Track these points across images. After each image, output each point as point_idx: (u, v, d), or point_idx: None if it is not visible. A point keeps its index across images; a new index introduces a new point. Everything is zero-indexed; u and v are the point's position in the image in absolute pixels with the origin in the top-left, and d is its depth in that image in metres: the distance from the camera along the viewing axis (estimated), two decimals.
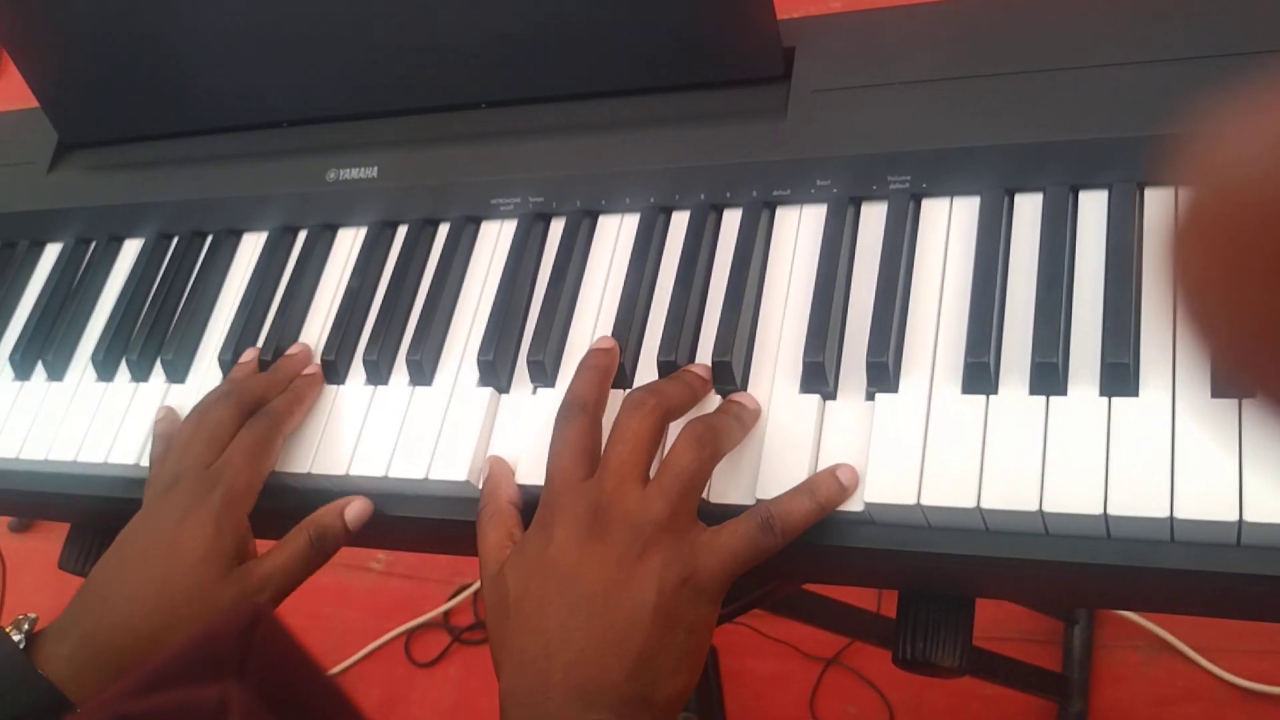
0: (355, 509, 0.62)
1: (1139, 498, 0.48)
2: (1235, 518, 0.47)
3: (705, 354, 0.59)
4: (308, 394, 0.65)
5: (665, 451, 0.55)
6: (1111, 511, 0.48)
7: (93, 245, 0.80)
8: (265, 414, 0.63)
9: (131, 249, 0.79)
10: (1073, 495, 0.49)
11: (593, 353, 0.59)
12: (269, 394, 0.64)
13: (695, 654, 0.51)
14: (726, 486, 0.55)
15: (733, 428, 0.55)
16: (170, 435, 0.65)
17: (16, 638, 0.57)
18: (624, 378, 0.60)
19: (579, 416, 0.56)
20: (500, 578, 0.54)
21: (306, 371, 0.66)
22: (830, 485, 0.53)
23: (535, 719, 0.50)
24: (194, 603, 0.57)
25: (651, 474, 0.54)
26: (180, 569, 0.58)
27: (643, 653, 0.50)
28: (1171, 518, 0.48)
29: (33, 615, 0.59)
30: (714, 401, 0.57)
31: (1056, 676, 1.19)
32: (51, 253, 0.81)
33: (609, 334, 0.61)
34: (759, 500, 0.54)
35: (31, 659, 0.56)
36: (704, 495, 0.55)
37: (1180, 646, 1.19)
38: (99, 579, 0.60)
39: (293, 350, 0.68)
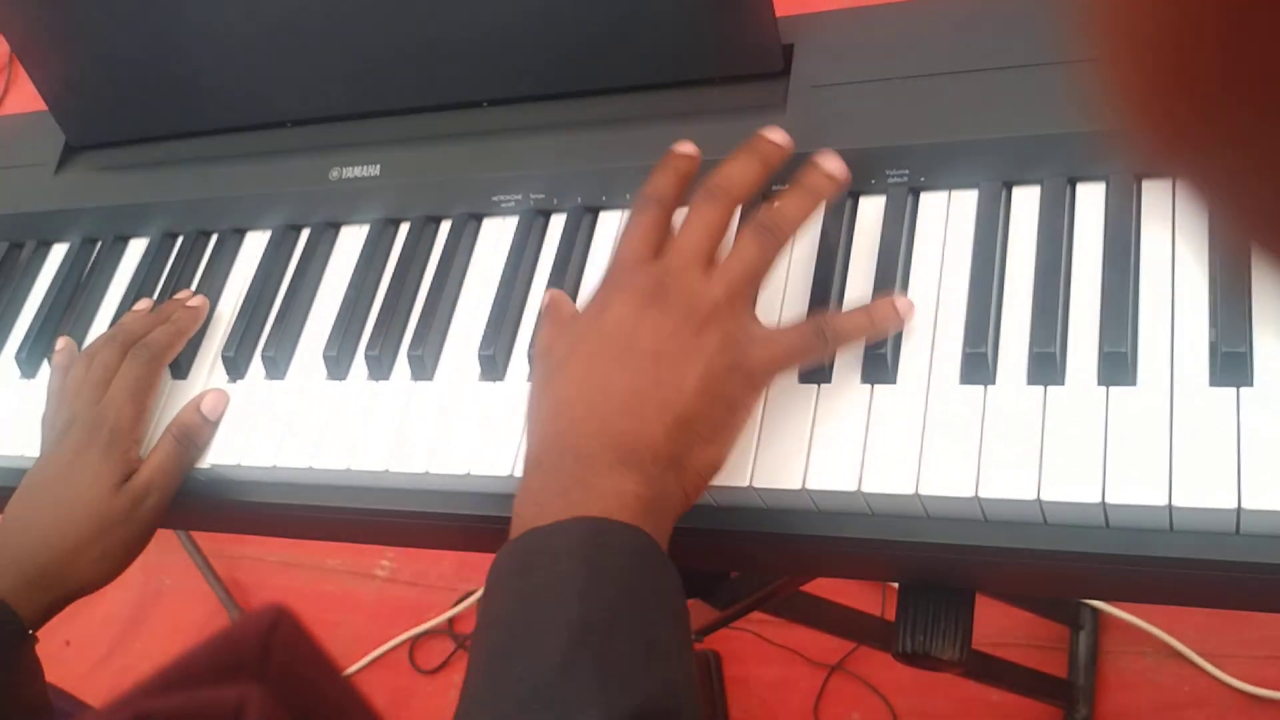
0: (210, 399, 0.67)
1: (1137, 486, 0.48)
2: (1234, 505, 0.47)
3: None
4: (188, 325, 0.70)
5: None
6: (1110, 500, 0.49)
7: (99, 245, 0.80)
8: (144, 347, 0.68)
9: (137, 248, 0.79)
10: (1071, 483, 0.49)
11: (674, 155, 0.59)
12: (151, 331, 0.69)
13: (732, 430, 0.53)
14: (726, 470, 0.55)
15: (803, 205, 0.55)
16: (65, 368, 0.70)
17: None
18: None
19: (653, 207, 0.56)
20: (549, 350, 0.56)
21: (190, 303, 0.71)
22: (886, 308, 0.55)
23: (563, 471, 0.51)
24: (93, 519, 0.64)
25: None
26: (78, 495, 0.64)
27: (683, 414, 0.51)
28: (1170, 505, 0.48)
29: None
30: None
31: (1062, 682, 1.18)
32: (58, 252, 0.82)
33: None
34: (753, 487, 0.54)
35: None
36: None
37: (1186, 652, 1.18)
38: (14, 513, 0.66)
39: (181, 295, 0.72)
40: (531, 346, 0.59)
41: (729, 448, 0.53)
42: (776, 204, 0.55)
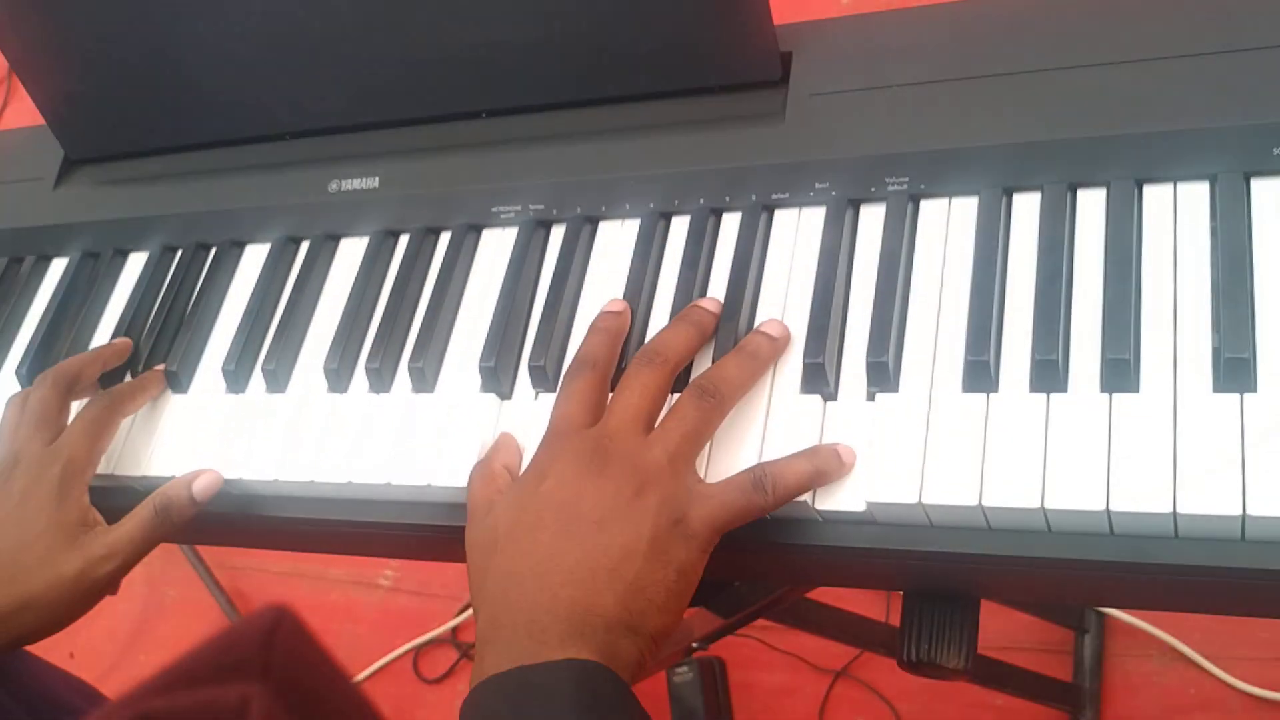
0: (204, 482, 0.63)
1: (1142, 493, 0.48)
2: (1239, 511, 0.47)
3: (705, 358, 0.59)
4: (152, 386, 0.69)
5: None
6: (1114, 507, 0.48)
7: (98, 259, 0.80)
8: (107, 394, 0.66)
9: (136, 262, 0.79)
10: (1075, 491, 0.49)
11: (603, 315, 0.60)
12: (84, 370, 0.69)
13: (682, 596, 0.52)
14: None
15: (745, 371, 0.55)
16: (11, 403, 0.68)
17: None
18: None
19: (587, 372, 0.57)
20: (489, 516, 0.55)
21: (157, 366, 0.71)
22: (829, 455, 0.53)
23: (516, 647, 0.50)
24: (42, 570, 0.60)
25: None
26: (27, 542, 0.61)
27: (636, 581, 0.50)
28: (1175, 512, 0.48)
29: None
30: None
31: (1068, 686, 1.18)
32: (58, 267, 0.82)
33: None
34: None
35: None
36: None
37: (1192, 655, 1.18)
38: None
39: (116, 341, 0.72)
40: (468, 497, 0.57)
41: (681, 614, 0.52)
42: (717, 366, 0.55)
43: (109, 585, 0.62)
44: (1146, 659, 1.20)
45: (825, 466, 0.53)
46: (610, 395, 0.57)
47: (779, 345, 0.57)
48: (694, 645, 1.10)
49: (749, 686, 1.31)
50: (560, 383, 0.57)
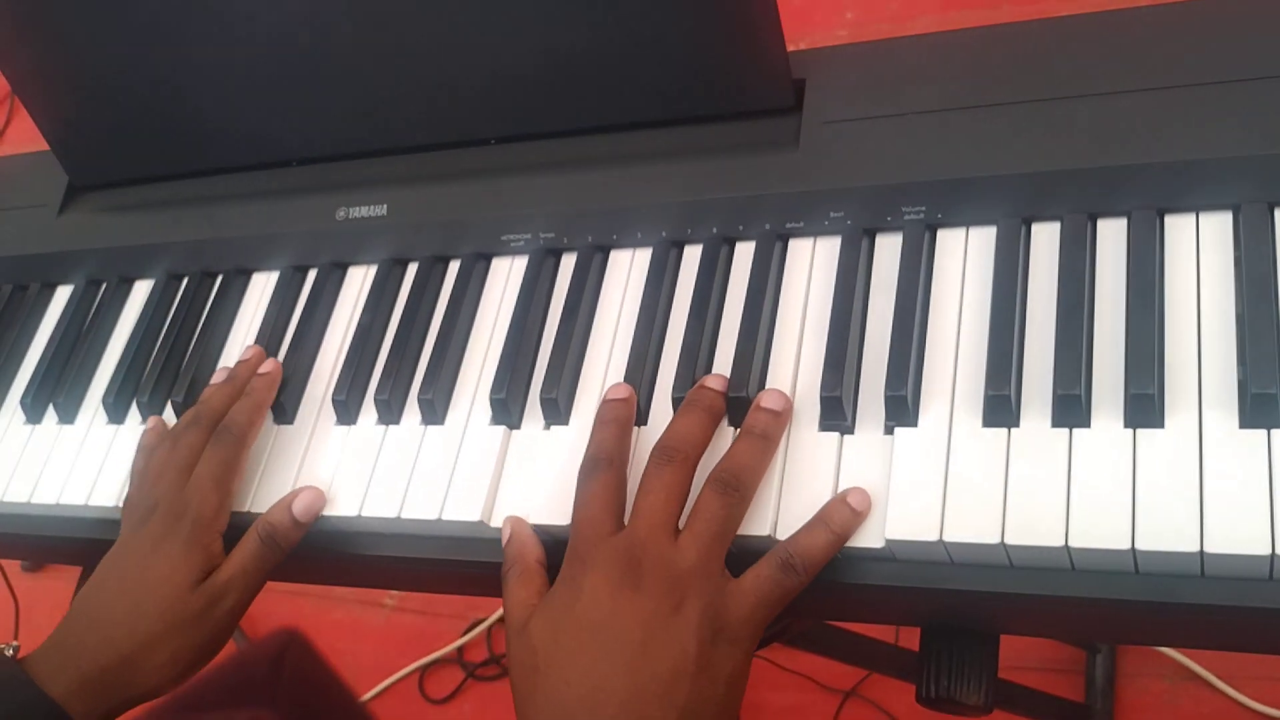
0: (304, 501, 0.62)
1: (1167, 532, 0.47)
2: (1268, 551, 0.46)
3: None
4: (265, 398, 0.66)
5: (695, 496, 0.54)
6: (1139, 546, 0.47)
7: (103, 287, 0.80)
8: (226, 430, 0.63)
9: (142, 290, 0.78)
10: (1099, 530, 0.48)
11: (608, 404, 0.58)
12: (231, 406, 0.65)
13: (734, 706, 0.51)
14: (746, 521, 0.54)
15: (759, 455, 0.54)
16: (151, 449, 0.66)
17: None
18: (640, 415, 0.59)
19: (604, 471, 0.55)
20: (526, 632, 0.53)
21: (262, 370, 0.67)
22: (843, 513, 0.52)
23: None
24: (165, 617, 0.59)
25: (681, 523, 0.53)
26: (152, 591, 0.60)
27: (688, 704, 0.49)
28: (1201, 552, 0.47)
29: (14, 643, 0.62)
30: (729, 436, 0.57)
31: (1079, 707, 1.17)
32: (62, 295, 0.81)
33: (622, 370, 0.61)
34: (774, 538, 0.53)
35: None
36: None
37: (1206, 675, 1.17)
38: (83, 604, 0.62)
39: (246, 355, 0.69)
40: (505, 604, 0.55)
41: (737, 715, 0.51)
42: (732, 455, 0.54)
43: (230, 623, 0.61)
44: (1159, 678, 1.19)
45: (844, 527, 0.52)
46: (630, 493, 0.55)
47: (784, 417, 0.55)
48: None
49: (759, 707, 1.30)
50: (577, 483, 0.55)
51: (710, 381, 0.57)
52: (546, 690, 0.51)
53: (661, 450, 0.54)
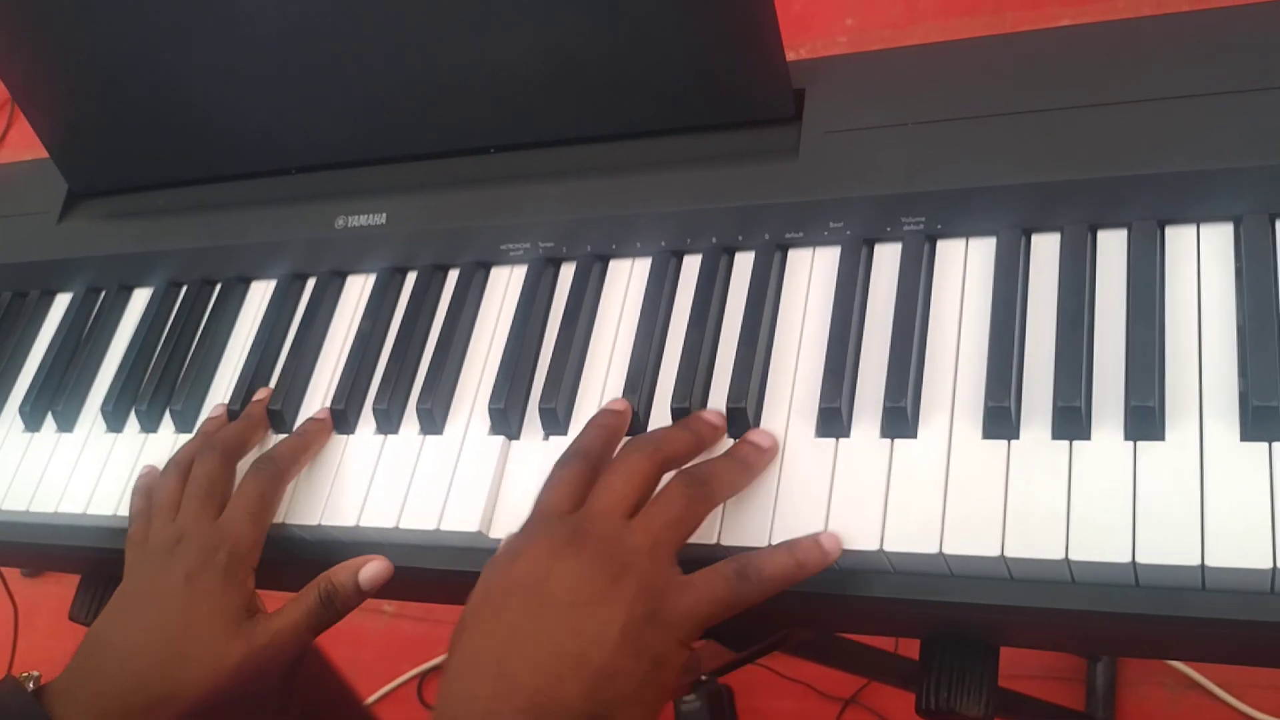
0: (371, 570, 0.59)
1: (1168, 544, 0.47)
2: (1270, 565, 0.46)
3: (719, 399, 0.58)
4: (316, 439, 0.64)
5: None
6: (1140, 559, 0.47)
7: (102, 294, 0.80)
8: (270, 461, 0.62)
9: (141, 298, 0.78)
10: (1099, 542, 0.48)
11: (604, 412, 0.58)
12: (249, 439, 0.65)
13: (658, 689, 0.48)
14: (742, 529, 0.54)
15: (735, 474, 0.54)
16: (151, 489, 0.65)
17: None
18: (637, 426, 0.59)
19: (577, 463, 0.54)
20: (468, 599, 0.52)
21: (318, 415, 0.66)
22: (811, 548, 0.51)
23: None
24: (203, 659, 0.57)
25: None
26: (189, 628, 0.57)
27: (604, 670, 0.47)
28: (1202, 565, 0.46)
29: (35, 673, 0.59)
30: (727, 443, 0.57)
31: (1080, 715, 1.17)
32: (62, 302, 0.81)
33: (621, 380, 0.60)
34: (770, 544, 0.53)
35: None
36: (716, 539, 0.54)
37: (1206, 684, 1.17)
38: (107, 636, 0.59)
39: (259, 395, 0.68)
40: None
41: (657, 710, 0.49)
42: (708, 462, 0.54)
43: (270, 675, 0.59)
44: (1160, 687, 1.19)
45: (806, 559, 0.51)
46: None
47: (768, 454, 0.55)
48: (703, 677, 1.09)
49: (758, 714, 1.30)
50: (551, 471, 0.55)
51: (709, 414, 0.57)
52: (465, 641, 0.50)
53: (638, 440, 0.54)
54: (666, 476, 0.54)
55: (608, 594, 0.48)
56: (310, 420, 0.65)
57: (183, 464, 0.64)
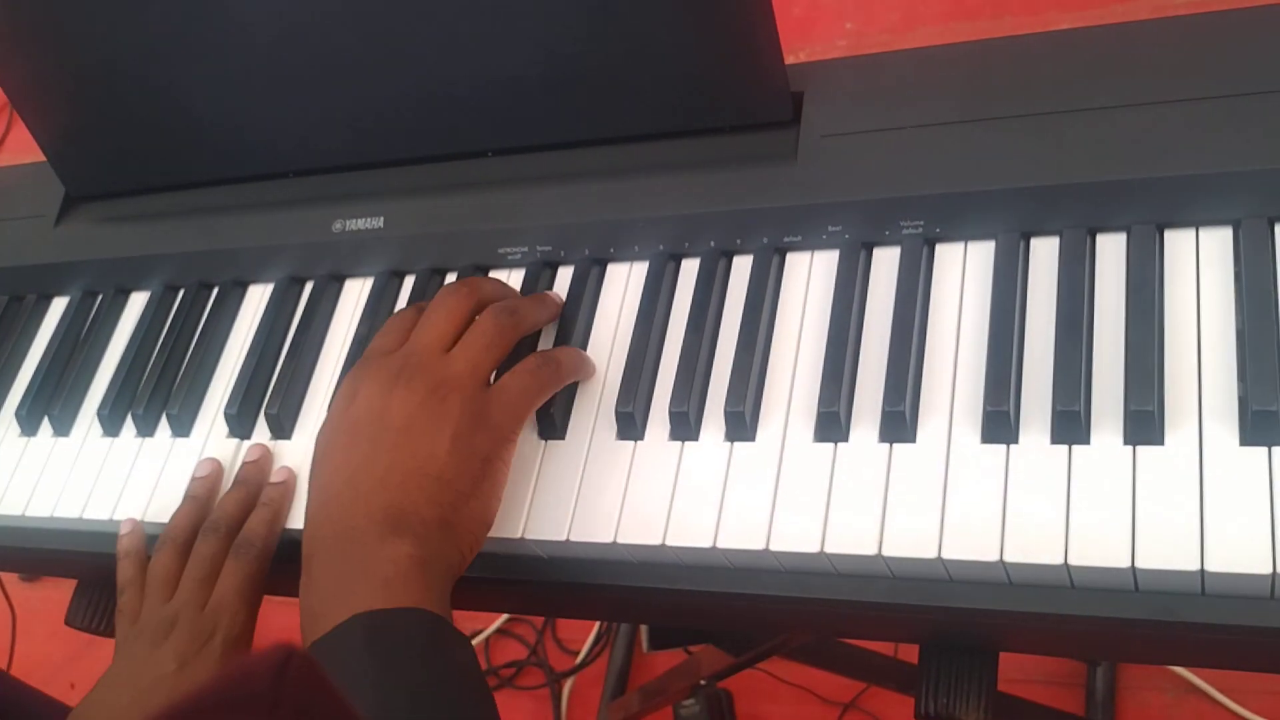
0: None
1: (1167, 550, 0.47)
2: (1269, 570, 0.45)
3: (717, 402, 0.58)
4: (282, 507, 0.64)
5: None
6: (1139, 565, 0.47)
7: (99, 298, 0.79)
8: (248, 544, 0.62)
9: (138, 301, 0.78)
10: (1099, 548, 0.48)
11: (572, 350, 0.62)
12: (246, 514, 0.63)
13: (492, 481, 0.55)
14: (743, 534, 0.54)
15: (538, 308, 0.62)
16: (135, 554, 0.64)
17: None
18: (636, 430, 0.59)
19: (412, 310, 0.61)
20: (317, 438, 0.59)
21: (274, 480, 0.65)
22: (577, 351, 0.61)
23: (336, 554, 0.53)
24: None
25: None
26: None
27: (441, 475, 0.54)
28: (1202, 570, 0.46)
29: None
30: None
31: None
32: (58, 306, 0.81)
33: (618, 384, 0.60)
34: (769, 550, 0.53)
35: None
36: (713, 544, 0.53)
37: (1206, 688, 1.16)
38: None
39: (251, 456, 0.66)
40: None
41: (495, 501, 0.56)
42: (515, 299, 0.62)
43: None
44: (1160, 691, 1.19)
45: (586, 356, 0.61)
46: None
47: (558, 305, 0.64)
48: (701, 682, 1.09)
49: (758, 718, 1.30)
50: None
51: (553, 294, 0.65)
52: (317, 481, 0.56)
53: (453, 284, 0.61)
54: None
55: (436, 414, 0.55)
56: (271, 486, 0.64)
57: (179, 541, 0.63)
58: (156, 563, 0.63)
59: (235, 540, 0.62)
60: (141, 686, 0.58)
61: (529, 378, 0.57)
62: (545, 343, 0.64)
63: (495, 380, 0.58)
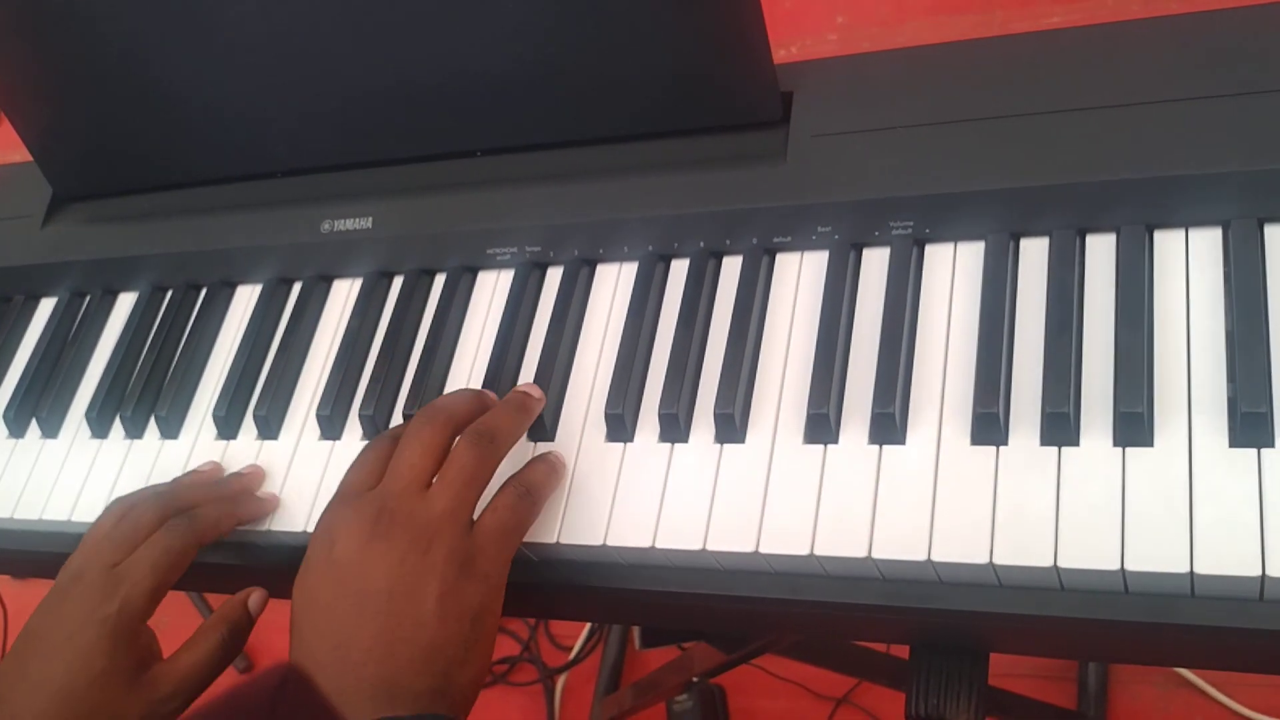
0: (257, 598, 0.62)
1: (1157, 552, 0.47)
2: (1258, 572, 0.45)
3: (706, 404, 0.58)
4: (246, 507, 0.62)
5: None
6: (1129, 566, 0.47)
7: (87, 299, 0.79)
8: (187, 519, 0.60)
9: (126, 302, 0.78)
10: (1088, 550, 0.48)
11: (521, 394, 0.59)
12: (203, 505, 0.61)
13: (483, 642, 0.53)
14: (733, 536, 0.54)
15: (513, 421, 0.57)
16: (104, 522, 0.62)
17: None
18: (628, 432, 0.59)
19: (386, 442, 0.57)
20: (294, 589, 0.54)
21: (261, 493, 0.64)
22: (558, 459, 0.58)
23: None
24: (99, 717, 0.55)
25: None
26: (82, 684, 0.55)
27: (432, 643, 0.51)
28: (1191, 572, 0.46)
29: None
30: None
31: (1072, 714, 1.17)
32: (46, 307, 0.80)
33: (608, 384, 0.60)
34: (759, 552, 0.53)
35: None
36: (703, 546, 0.53)
37: (1198, 682, 1.17)
38: (4, 682, 0.57)
39: (247, 470, 0.65)
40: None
41: (487, 660, 0.53)
42: (488, 417, 0.57)
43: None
44: (1151, 685, 1.19)
45: (556, 463, 0.57)
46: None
47: (539, 403, 0.59)
48: (694, 678, 1.09)
49: (750, 714, 1.30)
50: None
51: (533, 390, 0.59)
52: (302, 642, 0.53)
53: (424, 410, 0.56)
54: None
55: (419, 570, 0.52)
56: (236, 476, 0.64)
57: (126, 504, 0.62)
58: (100, 519, 0.62)
59: (175, 516, 0.60)
60: (47, 645, 0.57)
61: (509, 515, 0.54)
62: (532, 354, 0.64)
63: (476, 517, 0.54)
